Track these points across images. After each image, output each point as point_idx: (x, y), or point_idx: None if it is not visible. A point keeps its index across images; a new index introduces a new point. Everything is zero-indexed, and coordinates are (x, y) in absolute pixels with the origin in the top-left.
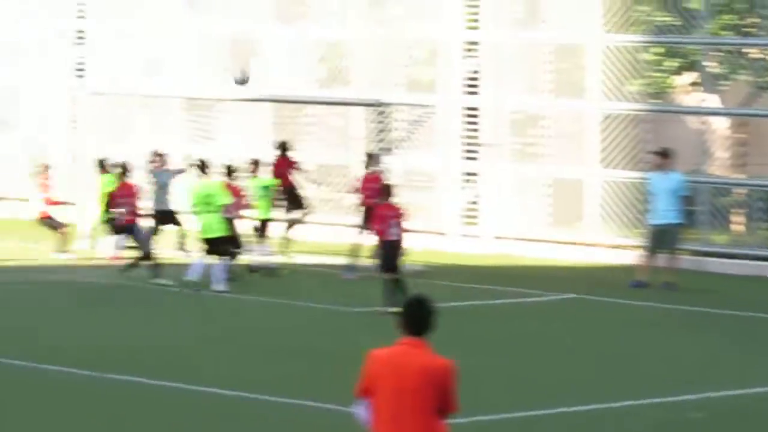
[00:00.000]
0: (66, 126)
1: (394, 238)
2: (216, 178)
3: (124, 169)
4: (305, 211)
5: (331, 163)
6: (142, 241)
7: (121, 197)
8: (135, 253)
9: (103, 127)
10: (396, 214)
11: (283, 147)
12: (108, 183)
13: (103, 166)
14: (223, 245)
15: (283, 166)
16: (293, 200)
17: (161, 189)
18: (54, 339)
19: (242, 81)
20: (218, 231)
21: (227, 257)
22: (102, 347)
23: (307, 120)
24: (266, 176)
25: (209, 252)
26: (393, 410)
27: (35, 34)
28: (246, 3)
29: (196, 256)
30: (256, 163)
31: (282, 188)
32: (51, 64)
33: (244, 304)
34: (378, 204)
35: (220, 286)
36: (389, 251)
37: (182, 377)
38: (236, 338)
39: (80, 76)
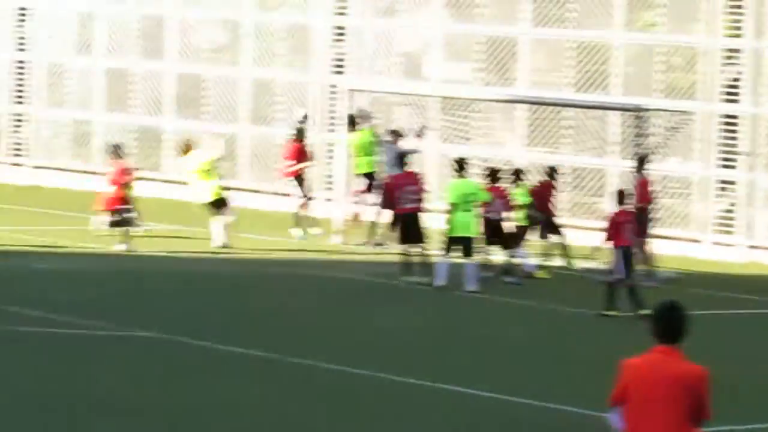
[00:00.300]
0: (323, 122)
1: (626, 243)
2: (474, 178)
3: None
4: (561, 239)
5: (586, 166)
6: (420, 233)
7: (401, 186)
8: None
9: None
10: (629, 220)
11: (552, 172)
12: (365, 136)
13: (353, 122)
14: (475, 245)
15: (546, 191)
16: (549, 228)
17: (389, 164)
18: (320, 335)
19: (303, 120)
20: (473, 230)
21: (478, 257)
22: (358, 344)
23: (564, 123)
24: (526, 187)
25: (458, 250)
26: (645, 418)
27: (293, 30)
28: (505, 4)
29: (438, 258)
30: (517, 173)
31: (539, 212)
32: (308, 59)
33: (495, 305)
34: (616, 211)
35: (472, 287)
36: (622, 257)
37: (432, 376)
38: (484, 340)
39: (338, 73)
